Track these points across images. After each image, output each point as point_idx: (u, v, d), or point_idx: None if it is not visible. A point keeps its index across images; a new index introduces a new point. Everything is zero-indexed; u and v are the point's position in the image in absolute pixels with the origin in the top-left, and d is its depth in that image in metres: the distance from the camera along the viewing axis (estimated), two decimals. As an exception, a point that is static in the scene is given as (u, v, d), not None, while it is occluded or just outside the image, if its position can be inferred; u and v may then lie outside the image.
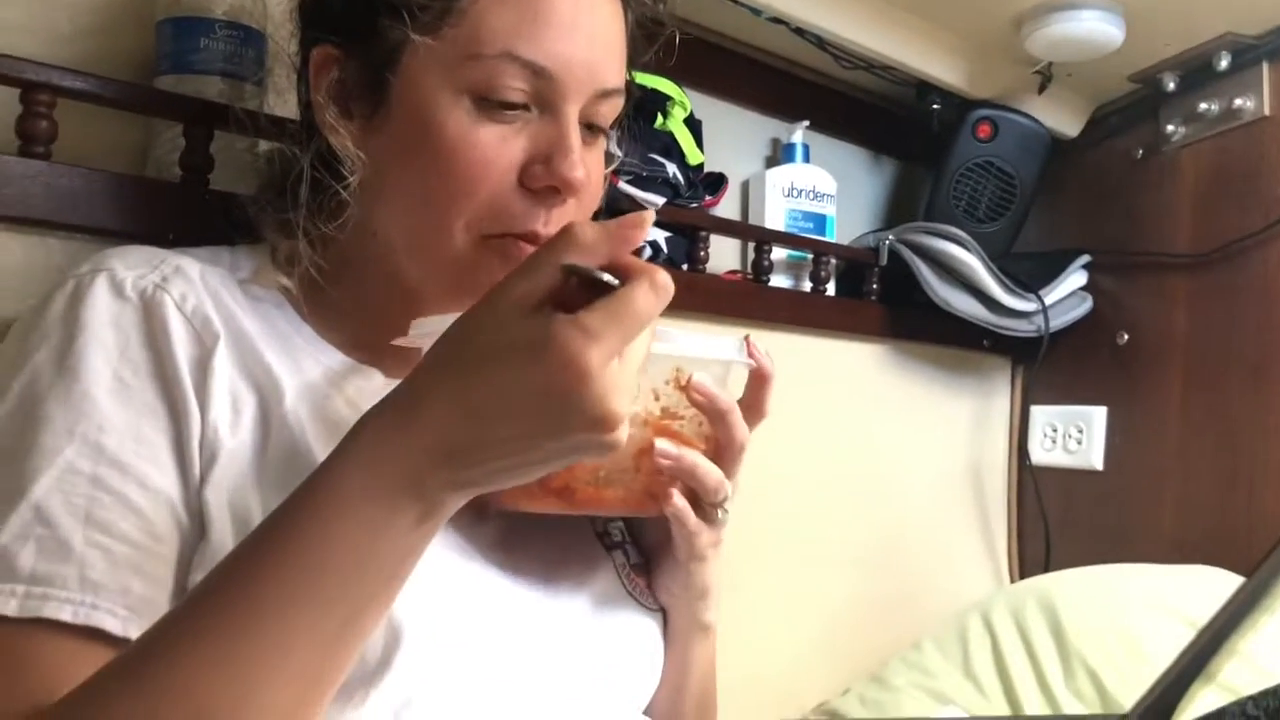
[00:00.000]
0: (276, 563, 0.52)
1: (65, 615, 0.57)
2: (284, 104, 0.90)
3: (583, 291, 0.51)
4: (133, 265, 0.69)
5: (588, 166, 0.73)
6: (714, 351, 0.71)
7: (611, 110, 0.76)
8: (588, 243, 0.52)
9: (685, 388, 0.70)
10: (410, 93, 0.70)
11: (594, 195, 0.77)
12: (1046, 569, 1.61)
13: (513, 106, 0.70)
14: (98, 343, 0.65)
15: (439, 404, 0.52)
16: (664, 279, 0.52)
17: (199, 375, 0.67)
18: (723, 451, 0.73)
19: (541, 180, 0.71)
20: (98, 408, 0.63)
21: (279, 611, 0.51)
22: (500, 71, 0.69)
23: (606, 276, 0.51)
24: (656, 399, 0.71)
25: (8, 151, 0.83)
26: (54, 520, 0.59)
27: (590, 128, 0.75)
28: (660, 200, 1.26)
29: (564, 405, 0.50)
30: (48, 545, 0.58)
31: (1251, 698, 0.66)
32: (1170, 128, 1.59)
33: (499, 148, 0.70)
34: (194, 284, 0.70)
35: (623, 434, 0.52)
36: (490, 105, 0.69)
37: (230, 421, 0.66)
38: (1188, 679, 0.70)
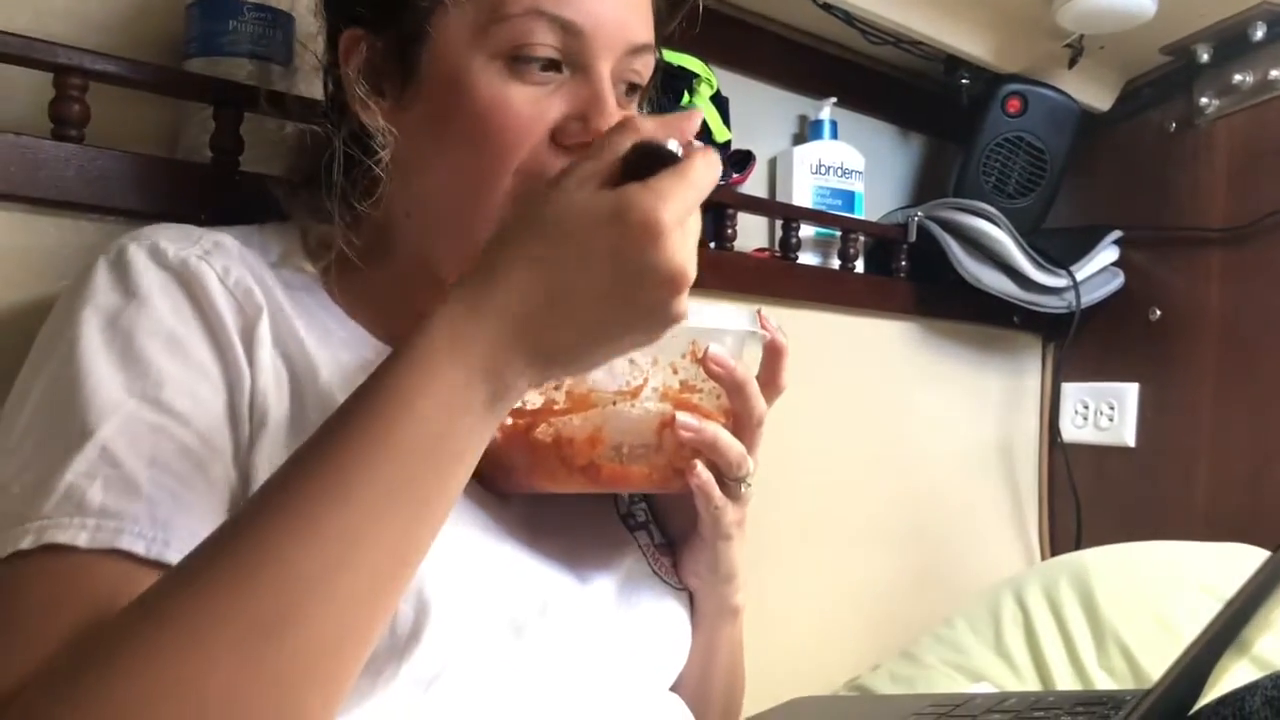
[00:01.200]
0: (360, 440, 0.52)
1: (139, 548, 0.56)
2: (311, 86, 0.90)
3: (644, 169, 0.54)
4: (174, 239, 0.70)
5: None
6: (729, 323, 0.72)
7: (644, 67, 0.75)
8: (648, 129, 0.56)
9: (702, 360, 0.70)
10: (440, 62, 0.70)
11: None
12: (1078, 546, 1.60)
13: (545, 66, 0.69)
14: (147, 306, 0.65)
15: (515, 273, 0.54)
16: (716, 155, 0.56)
17: (247, 342, 0.67)
18: (742, 424, 0.73)
19: (578, 137, 0.70)
20: (153, 365, 0.63)
21: (363, 488, 0.52)
22: (529, 30, 0.68)
23: (672, 144, 0.55)
24: (675, 372, 0.71)
25: (41, 135, 0.83)
26: (120, 461, 0.58)
27: (626, 88, 0.75)
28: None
29: (640, 263, 0.53)
30: (115, 484, 0.57)
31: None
32: (1204, 100, 1.57)
33: (534, 107, 0.69)
34: (234, 258, 0.71)
35: (686, 305, 0.55)
36: (522, 66, 0.69)
37: (275, 391, 0.67)
38: (1216, 651, 0.69)
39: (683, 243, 0.53)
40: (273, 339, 0.69)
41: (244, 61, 0.94)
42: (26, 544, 0.55)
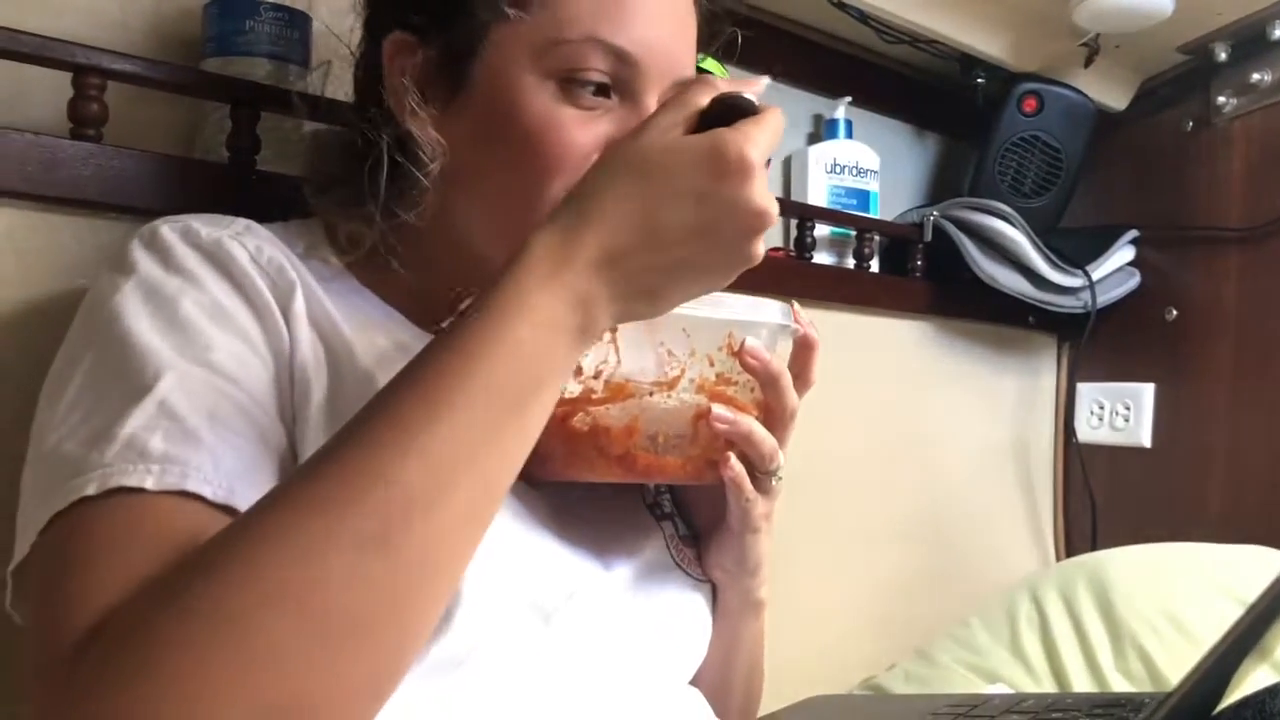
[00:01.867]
0: (463, 361, 0.54)
1: (206, 493, 0.55)
2: (330, 86, 0.90)
3: (724, 120, 0.58)
4: (205, 222, 0.70)
5: None
6: (762, 316, 0.72)
7: None
8: (722, 86, 0.60)
9: (739, 353, 0.70)
10: (493, 78, 0.71)
11: None
12: (1093, 547, 1.60)
13: (596, 91, 0.70)
14: (187, 277, 0.65)
15: (609, 205, 0.57)
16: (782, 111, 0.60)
17: (285, 315, 0.67)
18: (774, 418, 0.73)
19: None
20: (202, 333, 0.62)
21: (467, 409, 0.53)
22: (585, 55, 0.69)
23: (750, 94, 0.59)
24: (711, 364, 0.72)
25: (60, 134, 0.84)
26: (180, 415, 0.57)
27: None
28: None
29: (734, 199, 0.56)
30: (176, 435, 0.56)
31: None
32: (1221, 99, 1.56)
33: (582, 131, 0.70)
34: (265, 239, 0.71)
35: (763, 247, 0.59)
36: (574, 90, 0.70)
37: (314, 367, 0.67)
38: (1237, 655, 0.69)
39: (766, 185, 0.57)
40: (308, 316, 0.69)
41: (261, 61, 0.95)
42: (92, 490, 0.54)
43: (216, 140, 0.93)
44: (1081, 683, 1.22)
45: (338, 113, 0.86)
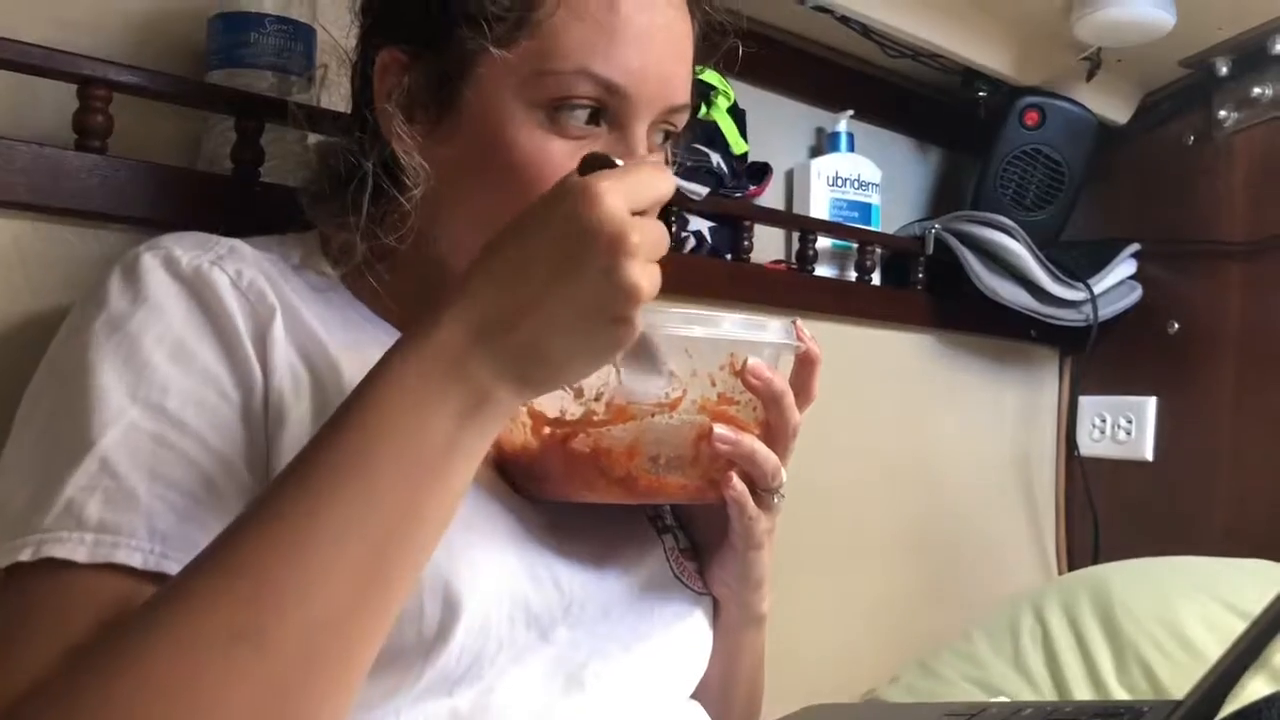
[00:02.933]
0: (331, 453, 0.54)
1: (135, 561, 0.56)
2: (333, 98, 0.91)
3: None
4: (188, 246, 0.70)
5: None
6: (764, 335, 0.72)
7: (680, 120, 0.76)
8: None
9: (740, 372, 0.70)
10: (481, 105, 0.70)
11: (668, 206, 0.77)
12: (1095, 560, 1.59)
13: (584, 121, 0.70)
14: (156, 312, 0.65)
15: (473, 280, 0.56)
16: (667, 168, 0.61)
17: (259, 344, 0.67)
18: (777, 435, 0.73)
19: None
20: (159, 371, 0.63)
21: (333, 503, 0.53)
22: (574, 86, 0.69)
23: (616, 159, 0.59)
24: (713, 384, 0.72)
25: (65, 146, 0.84)
26: (120, 473, 0.59)
27: (662, 136, 0.76)
28: (704, 190, 1.26)
29: (581, 231, 0.54)
30: (115, 496, 0.58)
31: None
32: (1223, 113, 1.57)
33: (570, 161, 0.68)
34: (248, 262, 0.71)
35: (636, 272, 0.54)
36: (562, 120, 0.69)
37: (292, 390, 0.67)
38: (1239, 669, 0.69)
39: (623, 205, 0.54)
40: (288, 339, 0.69)
41: (265, 73, 0.95)
42: (26, 556, 0.56)
43: (221, 152, 0.93)
44: (1084, 695, 1.21)
45: (332, 126, 0.86)
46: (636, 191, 0.55)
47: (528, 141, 0.69)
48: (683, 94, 0.74)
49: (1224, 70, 1.52)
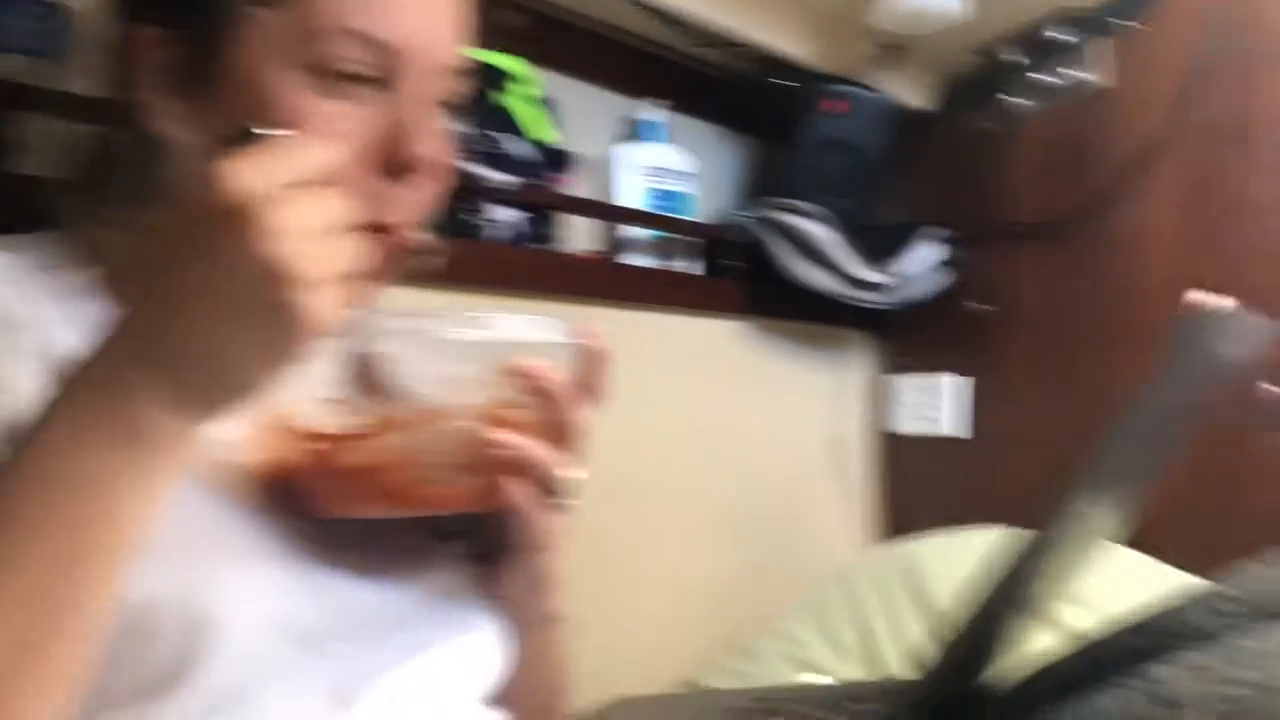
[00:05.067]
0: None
1: None
2: (92, 82, 0.86)
3: None
4: None
5: (437, 145, 0.70)
6: (540, 334, 0.70)
7: (456, 88, 0.74)
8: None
9: (515, 374, 0.68)
10: (244, 71, 0.67)
11: (446, 174, 0.74)
12: (906, 535, 1.64)
13: (353, 82, 0.67)
14: None
15: (127, 294, 0.52)
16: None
17: (8, 363, 0.63)
18: (560, 436, 0.71)
19: (389, 160, 0.68)
20: None
21: None
22: (338, 45, 0.66)
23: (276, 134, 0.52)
24: (490, 388, 0.69)
25: None
26: None
27: (442, 105, 0.73)
28: (506, 177, 1.24)
29: (210, 214, 0.49)
30: None
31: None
32: (1013, 101, 1.63)
33: (342, 124, 0.66)
34: None
35: (283, 250, 0.49)
36: (329, 82, 0.66)
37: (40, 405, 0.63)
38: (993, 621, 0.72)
39: (248, 179, 0.49)
40: (36, 355, 0.64)
41: (16, 57, 0.89)
42: None
43: (-32, 142, 0.87)
44: (896, 666, 1.25)
45: (90, 111, 0.81)
46: (275, 164, 0.50)
47: (290, 104, 0.66)
48: (454, 57, 0.72)
49: (1011, 59, 1.58)
